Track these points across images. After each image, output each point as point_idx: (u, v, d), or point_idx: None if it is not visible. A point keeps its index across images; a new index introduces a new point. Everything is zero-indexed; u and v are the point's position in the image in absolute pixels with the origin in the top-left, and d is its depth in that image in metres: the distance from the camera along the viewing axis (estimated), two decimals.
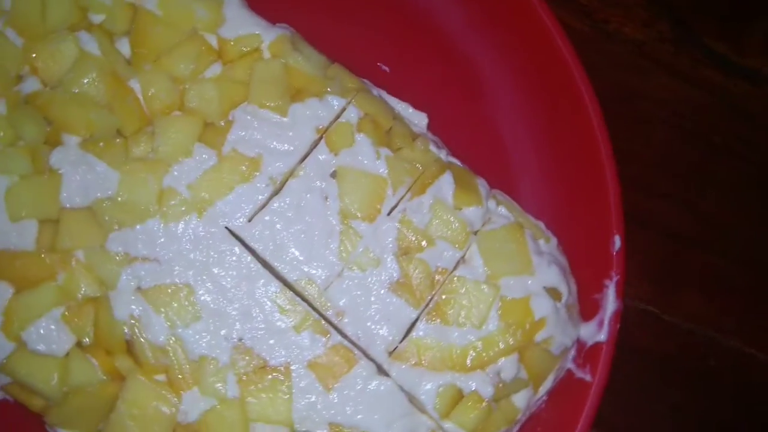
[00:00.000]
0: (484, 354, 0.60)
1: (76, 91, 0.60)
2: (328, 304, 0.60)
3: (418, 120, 0.69)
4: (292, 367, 0.59)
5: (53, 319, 0.58)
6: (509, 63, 0.73)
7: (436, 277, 0.62)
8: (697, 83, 0.84)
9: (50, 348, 0.57)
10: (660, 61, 0.83)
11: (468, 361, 0.60)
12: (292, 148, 0.61)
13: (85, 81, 0.60)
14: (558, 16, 0.69)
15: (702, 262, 0.81)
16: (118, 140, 0.60)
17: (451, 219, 0.62)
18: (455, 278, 0.61)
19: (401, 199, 0.62)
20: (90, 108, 0.59)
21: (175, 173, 0.60)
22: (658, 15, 0.84)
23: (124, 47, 0.62)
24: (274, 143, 0.61)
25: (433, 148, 0.65)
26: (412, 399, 0.60)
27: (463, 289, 0.61)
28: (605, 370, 0.65)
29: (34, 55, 0.60)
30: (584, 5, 0.83)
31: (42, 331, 0.57)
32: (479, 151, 0.71)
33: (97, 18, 0.62)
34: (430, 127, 0.70)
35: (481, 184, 0.66)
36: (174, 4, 0.62)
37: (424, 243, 0.61)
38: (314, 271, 0.60)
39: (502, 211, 0.65)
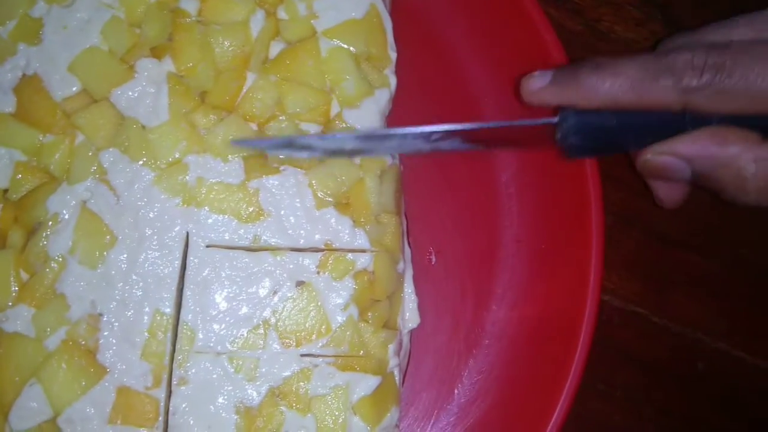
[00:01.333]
0: None
1: (218, 51, 0.61)
2: (185, 364, 0.57)
3: (410, 317, 0.67)
4: (106, 378, 0.56)
5: (12, 157, 0.59)
6: (494, 59, 0.73)
7: None
8: None
9: None
10: None
11: None
12: (296, 234, 0.60)
13: (227, 44, 0.61)
14: (550, 15, 0.70)
15: (690, 263, 0.80)
16: (196, 98, 0.61)
17: (338, 413, 0.58)
18: None
19: (323, 357, 0.59)
20: (209, 58, 0.61)
21: (201, 160, 0.60)
22: (650, 15, 0.83)
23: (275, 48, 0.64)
24: (289, 219, 0.61)
25: (391, 350, 0.62)
26: None
27: None
28: None
29: None
30: (577, 4, 0.82)
31: None
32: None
33: (283, 14, 0.64)
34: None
35: (394, 414, 0.62)
36: (337, 63, 0.63)
37: (300, 406, 0.58)
38: (204, 330, 0.58)
39: None
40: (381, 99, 0.64)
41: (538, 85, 0.59)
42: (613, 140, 0.58)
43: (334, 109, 0.63)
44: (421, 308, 0.67)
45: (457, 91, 0.74)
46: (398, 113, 0.68)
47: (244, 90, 0.62)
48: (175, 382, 0.57)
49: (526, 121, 0.60)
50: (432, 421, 0.68)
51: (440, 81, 0.74)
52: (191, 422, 0.57)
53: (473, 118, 0.72)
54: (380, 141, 0.61)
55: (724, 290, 0.80)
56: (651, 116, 0.56)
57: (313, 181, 0.61)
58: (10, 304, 0.57)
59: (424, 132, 0.60)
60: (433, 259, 0.72)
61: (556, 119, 0.59)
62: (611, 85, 0.55)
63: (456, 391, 0.70)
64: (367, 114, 0.63)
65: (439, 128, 0.60)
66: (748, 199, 0.55)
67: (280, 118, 0.61)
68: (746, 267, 0.81)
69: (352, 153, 0.61)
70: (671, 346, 0.78)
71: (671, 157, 0.55)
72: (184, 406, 0.57)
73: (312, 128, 0.62)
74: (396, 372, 0.63)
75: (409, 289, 0.67)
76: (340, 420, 0.58)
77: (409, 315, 0.67)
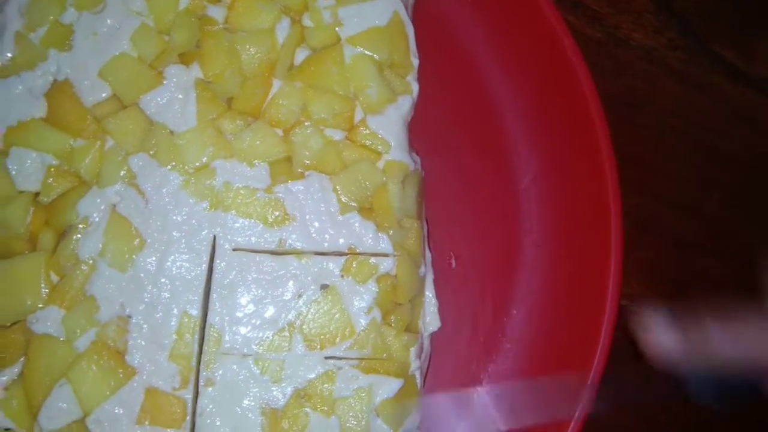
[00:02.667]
0: None
1: (245, 57, 0.62)
2: (212, 366, 0.58)
3: (431, 321, 0.68)
4: (135, 379, 0.57)
5: (42, 161, 0.60)
6: (513, 65, 0.73)
7: None
8: (704, 90, 0.84)
9: (17, 177, 0.59)
10: (669, 68, 0.84)
11: None
12: (320, 238, 0.61)
13: (253, 51, 0.62)
14: (569, 22, 0.71)
15: (708, 268, 0.80)
16: (223, 104, 0.62)
17: (362, 415, 0.59)
18: None
19: (347, 359, 0.60)
20: (236, 65, 0.62)
21: (228, 166, 0.61)
22: (668, 22, 0.84)
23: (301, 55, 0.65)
24: (314, 223, 0.61)
25: (413, 353, 0.63)
26: None
27: None
28: None
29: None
30: (596, 11, 0.84)
31: (27, 162, 0.59)
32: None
33: (308, 22, 0.65)
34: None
35: (415, 417, 0.63)
36: (361, 70, 0.64)
37: (324, 408, 0.59)
38: (230, 332, 0.59)
39: None
40: (403, 105, 0.65)
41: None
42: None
43: (358, 115, 0.64)
44: (442, 312, 0.68)
45: (477, 96, 0.75)
46: (420, 119, 0.69)
47: (270, 96, 0.63)
48: (202, 384, 0.58)
49: None
50: (452, 424, 0.69)
51: (460, 87, 0.75)
52: (217, 423, 0.57)
53: (492, 123, 0.74)
54: None
55: (742, 294, 0.80)
56: None
57: (338, 187, 0.62)
58: (41, 305, 0.57)
59: None
60: (454, 264, 0.73)
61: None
62: None
63: (475, 396, 0.70)
64: (391, 120, 0.64)
65: None
66: None
67: (306, 124, 0.62)
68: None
69: None
70: None
71: None
72: (210, 407, 0.58)
73: (336, 134, 0.63)
74: (417, 375, 0.64)
75: (429, 293, 0.68)
76: (363, 422, 0.59)
77: (430, 318, 0.68)
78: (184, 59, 0.62)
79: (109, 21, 0.62)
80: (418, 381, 0.64)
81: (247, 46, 0.62)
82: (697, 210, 0.82)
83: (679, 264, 0.80)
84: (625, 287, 0.76)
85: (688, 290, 0.79)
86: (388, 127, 0.64)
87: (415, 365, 0.63)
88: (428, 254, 0.69)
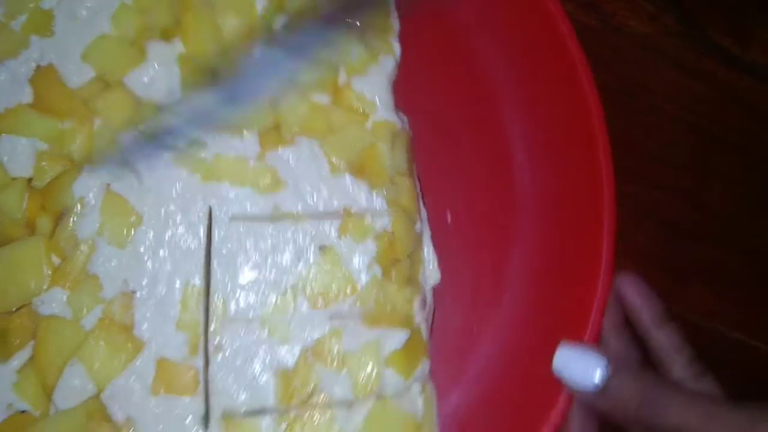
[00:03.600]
0: None
1: (225, 29, 0.63)
2: (219, 332, 0.59)
3: (431, 275, 0.69)
4: (145, 351, 0.58)
5: (32, 147, 0.60)
6: (507, 47, 0.73)
7: (316, 398, 0.60)
8: (701, 77, 0.84)
9: (8, 164, 0.60)
10: (665, 55, 0.84)
11: None
12: (315, 201, 0.62)
13: (233, 22, 0.63)
14: (565, 9, 0.70)
15: (705, 254, 0.80)
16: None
17: (371, 367, 0.60)
18: (330, 412, 0.59)
19: (351, 314, 0.61)
20: (216, 36, 0.63)
21: (217, 137, 0.62)
22: (664, 8, 0.84)
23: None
24: (307, 186, 0.62)
25: (416, 305, 0.64)
26: None
27: (326, 427, 0.58)
28: None
29: None
30: None
31: (17, 147, 0.60)
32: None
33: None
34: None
35: (425, 365, 0.64)
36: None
37: (334, 363, 0.60)
38: (235, 300, 0.60)
39: (418, 401, 0.63)
40: (386, 65, 0.66)
41: None
42: None
43: (342, 78, 0.65)
44: (441, 266, 0.69)
45: (467, 67, 0.75)
46: (405, 81, 0.69)
47: None
48: (211, 350, 0.59)
49: None
50: (460, 372, 0.70)
51: (448, 53, 0.76)
52: (230, 387, 0.58)
53: (483, 91, 0.75)
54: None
55: (739, 280, 0.81)
56: None
57: (328, 150, 0.63)
58: (45, 288, 0.58)
59: None
60: (449, 219, 0.74)
61: None
62: None
63: (481, 344, 0.71)
64: (374, 81, 0.65)
65: None
66: None
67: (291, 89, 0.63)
68: (761, 258, 0.81)
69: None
70: (688, 336, 0.76)
71: None
72: (222, 372, 0.58)
73: (322, 98, 0.64)
74: (423, 326, 0.65)
75: (427, 248, 0.69)
76: (374, 374, 0.60)
77: (430, 273, 0.69)
78: (165, 35, 0.62)
79: (88, 4, 0.62)
80: (424, 332, 0.65)
81: (228, 18, 0.63)
82: (696, 197, 0.82)
83: (675, 250, 0.80)
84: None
85: (686, 278, 0.79)
86: (373, 87, 0.65)
87: (419, 317, 0.64)
88: (423, 211, 0.70)
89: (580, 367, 0.62)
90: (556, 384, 0.63)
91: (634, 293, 0.69)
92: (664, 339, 0.68)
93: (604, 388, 0.60)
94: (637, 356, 0.69)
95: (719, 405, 0.57)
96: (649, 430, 0.59)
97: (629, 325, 0.70)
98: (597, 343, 0.66)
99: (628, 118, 0.81)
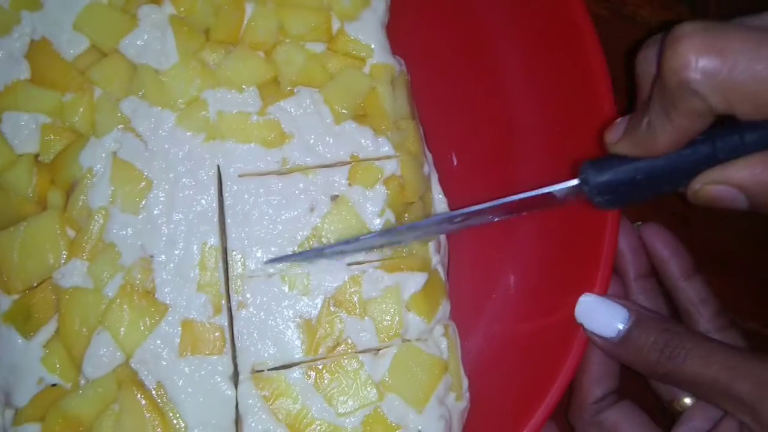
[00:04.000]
0: None
1: None
2: (241, 290, 0.59)
3: None
4: (169, 314, 0.58)
5: (36, 121, 0.60)
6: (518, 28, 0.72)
7: (341, 346, 0.60)
8: None
9: (13, 141, 0.59)
10: None
11: None
12: (322, 151, 0.62)
13: None
14: None
15: (719, 245, 0.79)
16: (201, 36, 0.62)
17: (394, 312, 0.60)
18: (356, 359, 0.60)
19: (369, 262, 0.61)
20: None
21: (218, 95, 0.61)
22: None
23: None
24: (312, 137, 0.62)
25: (431, 247, 0.64)
26: (238, 422, 0.58)
27: (354, 374, 0.59)
28: None
29: None
30: None
31: (20, 123, 0.60)
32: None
33: None
34: None
35: (446, 307, 0.64)
36: None
37: (356, 310, 0.60)
38: (254, 256, 0.60)
39: (441, 343, 0.63)
40: (378, 8, 0.65)
41: (611, 139, 0.55)
42: (644, 190, 0.54)
43: (335, 25, 0.64)
44: (451, 208, 0.69)
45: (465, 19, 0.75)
46: (398, 24, 0.69)
47: (245, 21, 0.63)
48: (234, 308, 0.59)
49: (548, 189, 0.58)
50: (478, 313, 0.70)
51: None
52: (257, 342, 0.59)
53: (476, 27, 0.74)
54: (406, 232, 0.62)
55: (753, 270, 0.80)
56: (678, 158, 0.51)
57: (328, 98, 0.63)
58: (63, 261, 0.58)
59: (446, 217, 0.61)
60: (455, 161, 0.74)
61: (577, 181, 0.56)
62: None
63: (496, 284, 0.72)
64: (368, 24, 0.65)
65: (461, 212, 0.61)
66: None
67: (286, 41, 0.63)
68: None
69: (382, 246, 0.61)
70: None
71: (724, 186, 0.50)
72: (247, 329, 0.59)
73: (317, 47, 0.64)
74: (440, 268, 0.65)
75: (436, 191, 0.69)
76: (397, 318, 0.60)
77: None
78: None
79: None
80: (442, 274, 0.65)
81: None
82: None
83: (687, 240, 0.74)
84: None
85: (700, 269, 0.73)
86: (367, 31, 0.64)
87: (435, 259, 0.64)
88: (429, 154, 0.70)
89: (602, 317, 0.61)
90: (575, 325, 0.64)
91: (662, 244, 0.68)
92: (691, 291, 0.67)
93: (626, 338, 0.60)
94: (662, 306, 0.68)
95: (742, 356, 0.55)
96: (669, 376, 0.58)
97: (655, 275, 0.69)
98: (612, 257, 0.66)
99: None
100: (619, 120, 0.55)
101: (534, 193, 0.58)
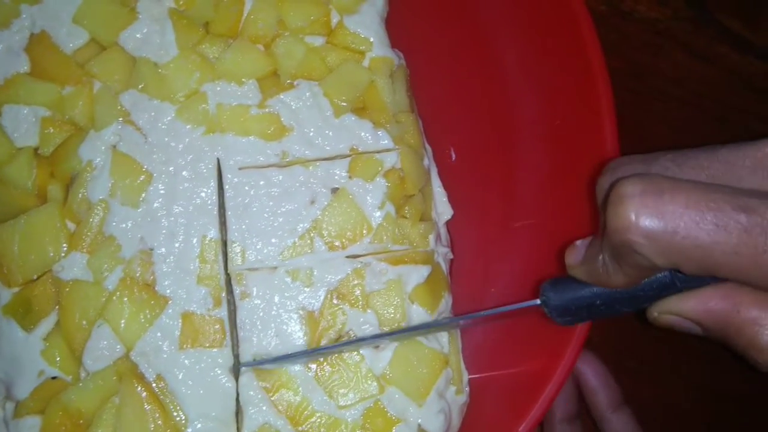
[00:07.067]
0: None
1: None
2: (243, 282, 0.59)
3: (443, 210, 0.69)
4: (169, 307, 0.58)
5: (36, 114, 0.60)
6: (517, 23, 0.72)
7: (342, 339, 0.60)
8: (712, 61, 0.83)
9: (13, 134, 0.59)
10: (675, 39, 0.83)
11: (306, 426, 0.58)
12: (321, 144, 0.62)
13: None
14: None
15: None
16: (201, 29, 0.62)
17: (396, 304, 0.60)
18: (357, 352, 0.59)
19: (371, 254, 0.61)
20: None
21: (218, 88, 0.61)
22: None
23: None
24: (311, 130, 0.62)
25: (432, 240, 0.64)
26: (239, 414, 0.58)
27: (355, 367, 0.59)
28: None
29: None
30: None
31: (20, 116, 0.60)
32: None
33: None
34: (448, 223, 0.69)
35: (448, 299, 0.64)
36: None
37: (359, 303, 0.60)
38: (254, 248, 0.60)
39: (442, 336, 0.63)
40: (377, 1, 0.66)
41: (570, 262, 0.55)
42: (604, 312, 0.53)
43: (334, 18, 0.64)
44: (451, 202, 0.69)
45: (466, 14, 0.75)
46: (397, 18, 0.69)
47: (245, 14, 0.63)
48: (237, 297, 0.59)
49: (512, 306, 0.57)
50: (479, 306, 0.70)
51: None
52: (259, 333, 0.59)
53: (474, 21, 0.74)
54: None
55: None
56: (637, 288, 0.51)
57: (328, 91, 0.63)
58: (63, 253, 0.58)
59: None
60: (453, 156, 0.74)
61: (539, 301, 0.56)
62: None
63: (497, 277, 0.71)
64: (367, 18, 0.65)
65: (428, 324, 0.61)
66: (765, 365, 0.47)
67: (285, 35, 0.63)
68: None
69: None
70: None
71: (678, 318, 0.50)
72: (249, 320, 0.59)
73: (317, 40, 0.64)
74: (441, 261, 0.65)
75: (436, 184, 0.69)
76: (400, 310, 0.60)
77: (442, 208, 0.69)
78: None
79: None
80: (444, 267, 0.65)
81: None
82: None
83: None
84: None
85: None
86: (366, 24, 0.65)
87: (437, 252, 0.64)
88: (428, 148, 0.70)
89: None
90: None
91: (592, 373, 0.69)
92: (617, 423, 0.68)
93: None
94: None
95: None
96: None
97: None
98: None
99: (637, 103, 0.79)
100: (579, 243, 0.54)
101: (496, 310, 0.58)
